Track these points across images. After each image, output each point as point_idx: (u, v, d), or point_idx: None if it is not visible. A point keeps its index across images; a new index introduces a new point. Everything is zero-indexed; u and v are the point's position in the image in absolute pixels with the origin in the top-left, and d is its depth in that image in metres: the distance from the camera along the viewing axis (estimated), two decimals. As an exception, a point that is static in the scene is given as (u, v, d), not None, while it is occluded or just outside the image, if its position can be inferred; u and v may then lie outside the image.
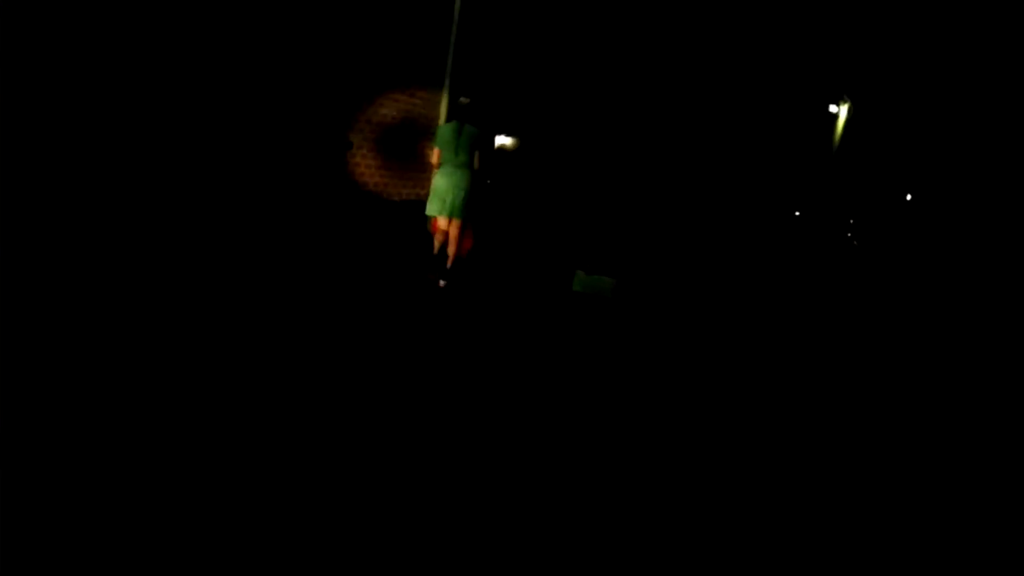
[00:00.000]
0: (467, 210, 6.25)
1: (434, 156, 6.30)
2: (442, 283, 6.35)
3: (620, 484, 2.75)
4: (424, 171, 7.43)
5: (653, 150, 13.46)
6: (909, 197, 26.64)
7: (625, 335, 5.17)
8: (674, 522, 2.53)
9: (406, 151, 7.25)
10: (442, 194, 6.21)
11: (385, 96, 6.93)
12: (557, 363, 4.26)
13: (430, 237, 7.42)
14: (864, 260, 17.29)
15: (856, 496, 2.96)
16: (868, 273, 13.99)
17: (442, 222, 6.46)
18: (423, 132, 7.57)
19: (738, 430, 3.53)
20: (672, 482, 2.84)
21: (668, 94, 13.83)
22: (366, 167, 6.86)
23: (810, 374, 4.88)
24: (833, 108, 26.11)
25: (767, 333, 5.98)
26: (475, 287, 6.31)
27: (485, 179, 6.89)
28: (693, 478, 2.91)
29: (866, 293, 10.27)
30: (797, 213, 25.99)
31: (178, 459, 2.68)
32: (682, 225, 13.95)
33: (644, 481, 2.81)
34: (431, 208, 6.32)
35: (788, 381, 4.60)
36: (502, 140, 10.05)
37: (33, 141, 4.29)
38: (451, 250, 6.40)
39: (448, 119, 6.68)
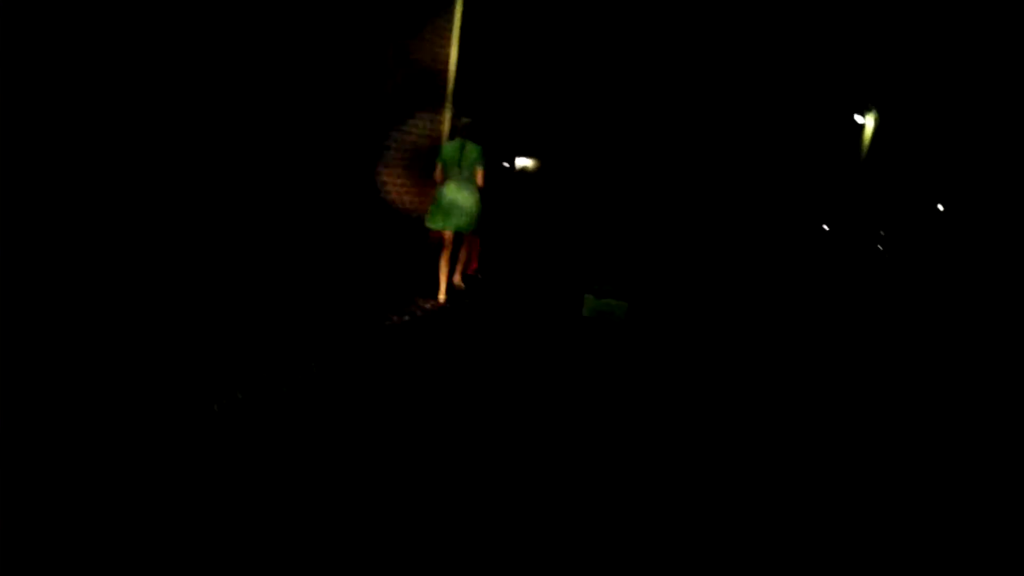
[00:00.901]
0: (475, 224, 6.55)
1: (438, 172, 6.56)
2: (442, 299, 6.70)
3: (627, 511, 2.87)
4: (423, 186, 7.64)
5: (673, 162, 13.53)
6: (940, 207, 26.26)
7: (639, 363, 5.13)
8: (688, 550, 2.64)
9: (411, 168, 7.50)
10: (447, 209, 6.49)
11: (388, 114, 7.16)
12: (566, 394, 4.32)
13: (431, 249, 7.59)
14: (894, 272, 17.09)
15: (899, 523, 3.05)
16: (898, 286, 13.86)
17: (447, 235, 6.67)
18: (427, 150, 7.76)
19: (763, 463, 3.61)
20: (687, 513, 2.94)
21: (689, 106, 13.91)
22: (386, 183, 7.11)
23: (838, 399, 4.86)
24: (859, 118, 25.93)
25: (793, 356, 5.94)
26: (479, 312, 6.38)
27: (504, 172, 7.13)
28: (712, 512, 3.01)
29: (896, 308, 10.20)
30: (825, 226, 25.77)
31: (178, 459, 2.82)
32: (701, 241, 13.93)
33: (655, 509, 2.91)
34: (434, 222, 6.56)
35: (815, 406, 4.61)
36: (523, 162, 10.20)
37: (55, 144, 4.48)
38: (460, 261, 6.85)
39: (451, 137, 6.90)
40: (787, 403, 4.55)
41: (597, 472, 3.16)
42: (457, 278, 6.98)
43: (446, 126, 7.81)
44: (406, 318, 5.77)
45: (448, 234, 6.69)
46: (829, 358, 5.98)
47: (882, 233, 24.37)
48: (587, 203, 10.81)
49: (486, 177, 6.59)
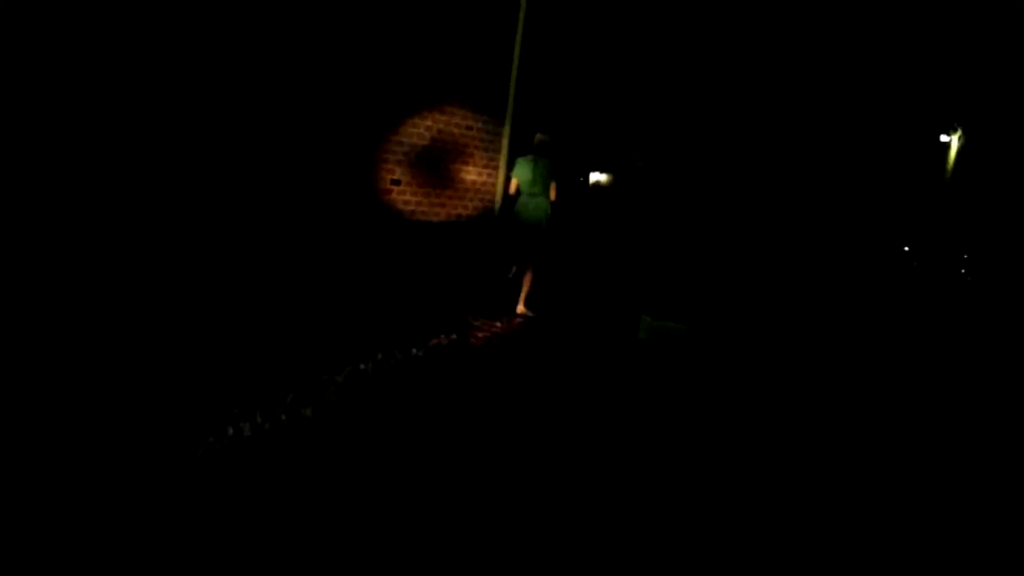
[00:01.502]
0: (544, 238, 6.71)
1: (512, 186, 6.75)
2: (520, 309, 6.81)
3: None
4: (463, 197, 7.70)
5: (748, 182, 13.16)
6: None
7: (695, 392, 4.93)
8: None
9: (450, 176, 7.56)
10: (523, 222, 6.72)
11: (435, 120, 7.17)
12: (621, 423, 4.16)
13: (502, 263, 7.57)
14: (980, 297, 16.22)
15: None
16: (984, 312, 13.13)
17: (521, 249, 6.82)
18: (485, 161, 7.78)
19: (835, 504, 3.38)
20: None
21: (766, 124, 13.54)
22: (411, 194, 7.11)
23: (921, 432, 4.57)
24: (944, 137, 24.87)
25: (869, 385, 5.63)
26: (531, 332, 6.27)
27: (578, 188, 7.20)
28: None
29: (982, 334, 9.63)
30: (907, 248, 24.75)
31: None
32: (772, 263, 13.47)
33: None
34: (512, 236, 6.83)
35: (891, 443, 4.34)
36: (596, 177, 10.09)
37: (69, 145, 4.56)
38: (526, 285, 6.87)
39: (526, 153, 6.92)
40: (863, 446, 4.25)
41: (650, 506, 2.98)
42: (521, 307, 6.92)
43: (505, 140, 7.79)
44: (453, 336, 5.68)
45: (521, 247, 6.87)
46: (910, 391, 5.64)
47: (966, 257, 23.25)
48: (652, 220, 10.58)
49: (559, 192, 6.51)
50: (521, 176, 6.72)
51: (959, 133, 23.52)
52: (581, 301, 7.60)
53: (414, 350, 5.08)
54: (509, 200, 7.13)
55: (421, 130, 6.90)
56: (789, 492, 3.40)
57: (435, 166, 7.08)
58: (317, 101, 5.97)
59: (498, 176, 7.83)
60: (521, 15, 7.62)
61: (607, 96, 9.67)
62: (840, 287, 13.36)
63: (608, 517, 2.89)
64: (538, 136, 6.81)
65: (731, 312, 8.03)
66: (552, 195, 6.66)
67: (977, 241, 24.77)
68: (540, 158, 6.67)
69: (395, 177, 6.75)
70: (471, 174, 7.56)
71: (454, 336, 5.66)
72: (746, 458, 3.74)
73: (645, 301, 6.52)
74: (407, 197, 6.96)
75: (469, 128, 7.31)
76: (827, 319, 8.76)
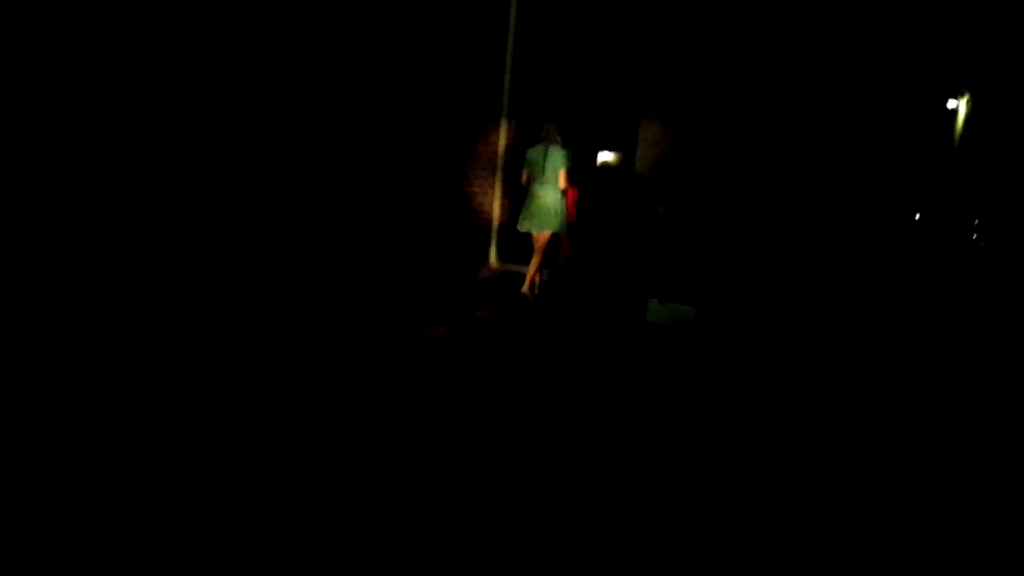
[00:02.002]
0: (561, 224, 6.88)
1: (524, 177, 6.95)
2: (543, 278, 7.06)
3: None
4: (484, 195, 7.84)
5: (749, 152, 13.09)
6: (1043, 193, 24.52)
7: (703, 377, 4.91)
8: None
9: (473, 172, 7.67)
10: (533, 212, 6.87)
11: (440, 124, 7.24)
12: (629, 408, 4.17)
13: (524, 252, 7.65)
14: (994, 264, 16.10)
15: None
16: (999, 279, 13.05)
17: (540, 237, 6.99)
18: (485, 159, 7.86)
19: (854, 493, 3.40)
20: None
21: (766, 91, 13.43)
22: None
23: (942, 420, 4.54)
24: (952, 103, 24.54)
25: (886, 366, 5.59)
26: (536, 314, 6.30)
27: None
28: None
29: (999, 304, 9.58)
30: (917, 216, 24.48)
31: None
32: (781, 237, 13.42)
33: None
34: (522, 225, 7.02)
35: (913, 430, 4.33)
36: (605, 156, 10.07)
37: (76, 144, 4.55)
38: (536, 260, 7.07)
39: (535, 143, 7.03)
40: (879, 430, 4.25)
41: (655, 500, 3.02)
42: (525, 287, 7.05)
43: (503, 127, 7.83)
44: (456, 320, 5.71)
45: (540, 236, 6.97)
46: (928, 365, 5.61)
47: (978, 222, 22.98)
48: (658, 199, 10.58)
49: (573, 178, 6.87)
50: (532, 165, 6.85)
51: (967, 98, 23.20)
52: (588, 282, 7.61)
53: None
54: (521, 191, 7.25)
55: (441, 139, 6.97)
56: (798, 486, 3.42)
57: (451, 165, 7.15)
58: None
59: (496, 181, 7.93)
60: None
61: (610, 66, 9.63)
62: (851, 260, 13.30)
63: (605, 514, 2.93)
64: (547, 126, 6.93)
65: (740, 291, 8.02)
66: (562, 183, 6.76)
67: (989, 207, 24.55)
68: (550, 147, 6.81)
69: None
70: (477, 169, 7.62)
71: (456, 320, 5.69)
72: (751, 449, 3.76)
73: (653, 283, 6.49)
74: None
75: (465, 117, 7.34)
76: (839, 296, 8.74)
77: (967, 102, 23.59)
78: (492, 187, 8.01)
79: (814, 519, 2.87)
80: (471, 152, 7.79)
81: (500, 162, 7.97)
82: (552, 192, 6.72)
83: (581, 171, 7.53)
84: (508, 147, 7.86)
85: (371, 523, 2.54)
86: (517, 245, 7.80)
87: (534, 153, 6.88)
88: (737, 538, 2.66)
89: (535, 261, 7.02)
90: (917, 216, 24.78)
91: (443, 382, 4.19)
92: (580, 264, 7.44)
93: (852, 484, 3.24)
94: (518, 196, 7.54)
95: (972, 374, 5.47)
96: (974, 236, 22.33)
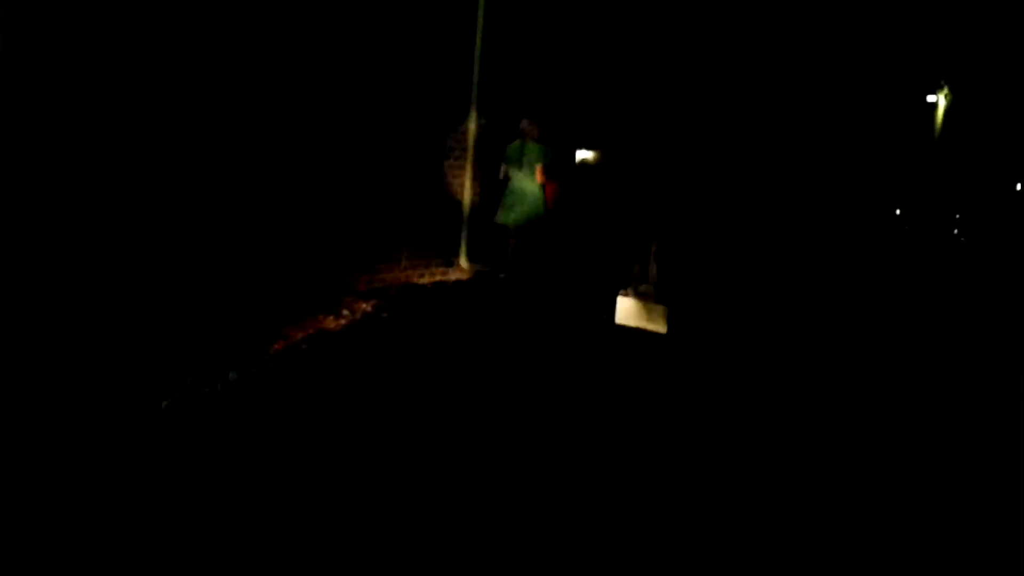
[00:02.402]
0: (539, 216, 6.96)
1: (502, 171, 7.03)
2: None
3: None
4: (448, 188, 7.70)
5: (730, 145, 12.84)
6: (1020, 187, 24.71)
7: (682, 380, 4.61)
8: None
9: (426, 169, 7.46)
10: (510, 204, 6.96)
11: (406, 114, 6.96)
12: (593, 419, 3.87)
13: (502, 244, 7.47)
14: (974, 257, 16.03)
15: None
16: (980, 273, 12.92)
17: (515, 229, 7.04)
18: (449, 151, 7.66)
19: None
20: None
21: (747, 85, 13.20)
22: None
23: (921, 408, 4.30)
24: (931, 98, 24.60)
25: (865, 359, 5.34)
26: (495, 311, 6.00)
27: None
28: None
29: (980, 298, 9.40)
30: (898, 211, 24.54)
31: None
32: (760, 233, 13.17)
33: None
34: (503, 217, 7.04)
35: (890, 423, 4.06)
36: (583, 154, 9.78)
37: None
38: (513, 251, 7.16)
39: (512, 139, 6.88)
40: (861, 431, 3.96)
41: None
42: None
43: (472, 124, 7.57)
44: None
45: (517, 230, 7.04)
46: (908, 360, 5.37)
47: (958, 217, 23.04)
48: (628, 192, 10.30)
49: (551, 174, 6.94)
50: (510, 160, 6.93)
51: (946, 91, 23.25)
52: (558, 281, 7.37)
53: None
54: (500, 185, 7.15)
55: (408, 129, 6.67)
56: (777, 495, 3.13)
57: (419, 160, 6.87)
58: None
59: (466, 167, 7.65)
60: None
61: (586, 64, 9.34)
62: (830, 256, 13.13)
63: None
64: (524, 121, 6.96)
65: (718, 290, 7.75)
66: (539, 177, 6.82)
67: (969, 201, 24.56)
68: (526, 142, 6.85)
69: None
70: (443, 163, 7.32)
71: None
72: (728, 459, 3.47)
73: (624, 279, 6.16)
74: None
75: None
76: (818, 293, 8.50)
77: (946, 96, 23.62)
78: (462, 180, 7.67)
79: (793, 528, 2.59)
80: (439, 144, 7.45)
81: (470, 154, 7.62)
82: (530, 184, 6.84)
83: (560, 166, 7.33)
84: (477, 139, 7.51)
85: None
86: (491, 243, 7.44)
87: (512, 148, 6.92)
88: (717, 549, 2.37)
89: (511, 252, 7.19)
90: (897, 211, 24.87)
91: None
92: (541, 260, 7.25)
93: (833, 491, 2.96)
94: (492, 190, 7.25)
95: (956, 372, 5.24)
96: (955, 231, 22.35)
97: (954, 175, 25.36)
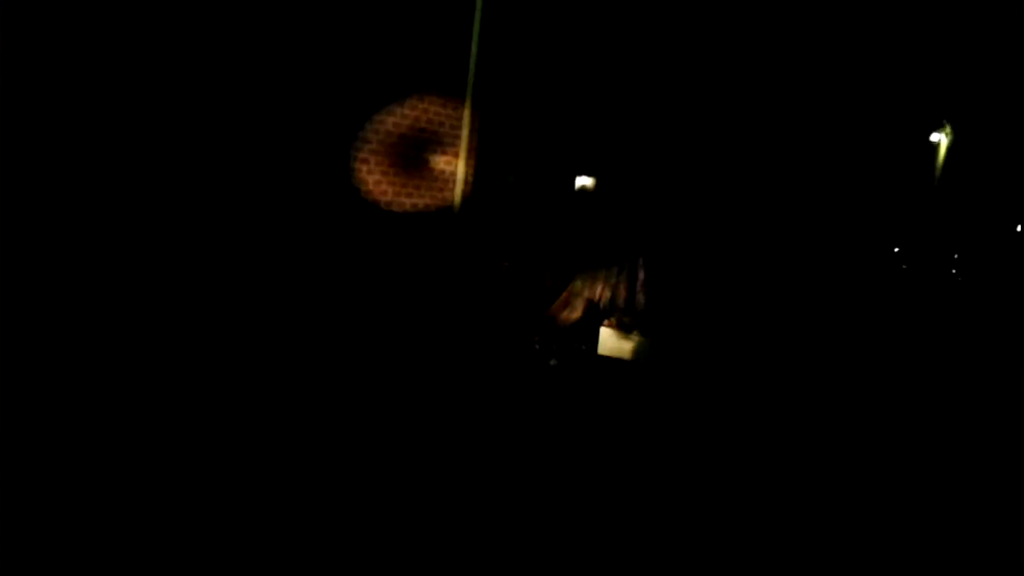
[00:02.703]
0: None
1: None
2: None
3: None
4: (436, 182, 7.29)
5: (728, 182, 12.72)
6: (1020, 228, 24.60)
7: (662, 413, 4.45)
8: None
9: (418, 162, 7.11)
10: None
11: (397, 105, 6.68)
12: (572, 452, 3.71)
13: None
14: (971, 298, 15.84)
15: None
16: (976, 313, 12.74)
17: None
18: (441, 143, 7.25)
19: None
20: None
21: (749, 121, 13.10)
22: (377, 178, 6.56)
23: (915, 434, 4.13)
24: (934, 137, 24.52)
25: (860, 391, 5.16)
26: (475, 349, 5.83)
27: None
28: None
29: (976, 337, 9.21)
30: (896, 249, 24.38)
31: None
32: (754, 271, 12.99)
33: None
34: None
35: (885, 448, 3.89)
36: (583, 181, 9.62)
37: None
38: None
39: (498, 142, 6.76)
40: (852, 455, 3.78)
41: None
42: None
43: (467, 117, 7.17)
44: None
45: None
46: (904, 393, 5.19)
47: (956, 257, 22.86)
48: (621, 218, 10.11)
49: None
50: None
51: (948, 129, 23.16)
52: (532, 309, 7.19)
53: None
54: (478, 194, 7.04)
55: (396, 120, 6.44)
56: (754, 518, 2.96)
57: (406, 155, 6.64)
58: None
59: (458, 166, 7.28)
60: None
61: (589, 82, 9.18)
62: (827, 290, 12.95)
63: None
64: (510, 177, 7.38)
65: (703, 323, 7.52)
66: None
67: (967, 241, 24.43)
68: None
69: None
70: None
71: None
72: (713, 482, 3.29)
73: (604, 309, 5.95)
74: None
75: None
76: (814, 326, 8.30)
77: (948, 134, 23.54)
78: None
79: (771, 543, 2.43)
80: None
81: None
82: None
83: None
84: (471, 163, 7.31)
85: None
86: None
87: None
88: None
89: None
90: (896, 249, 24.71)
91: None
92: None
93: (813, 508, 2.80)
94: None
95: (948, 406, 5.07)
96: (952, 270, 22.16)
97: (954, 214, 25.25)
